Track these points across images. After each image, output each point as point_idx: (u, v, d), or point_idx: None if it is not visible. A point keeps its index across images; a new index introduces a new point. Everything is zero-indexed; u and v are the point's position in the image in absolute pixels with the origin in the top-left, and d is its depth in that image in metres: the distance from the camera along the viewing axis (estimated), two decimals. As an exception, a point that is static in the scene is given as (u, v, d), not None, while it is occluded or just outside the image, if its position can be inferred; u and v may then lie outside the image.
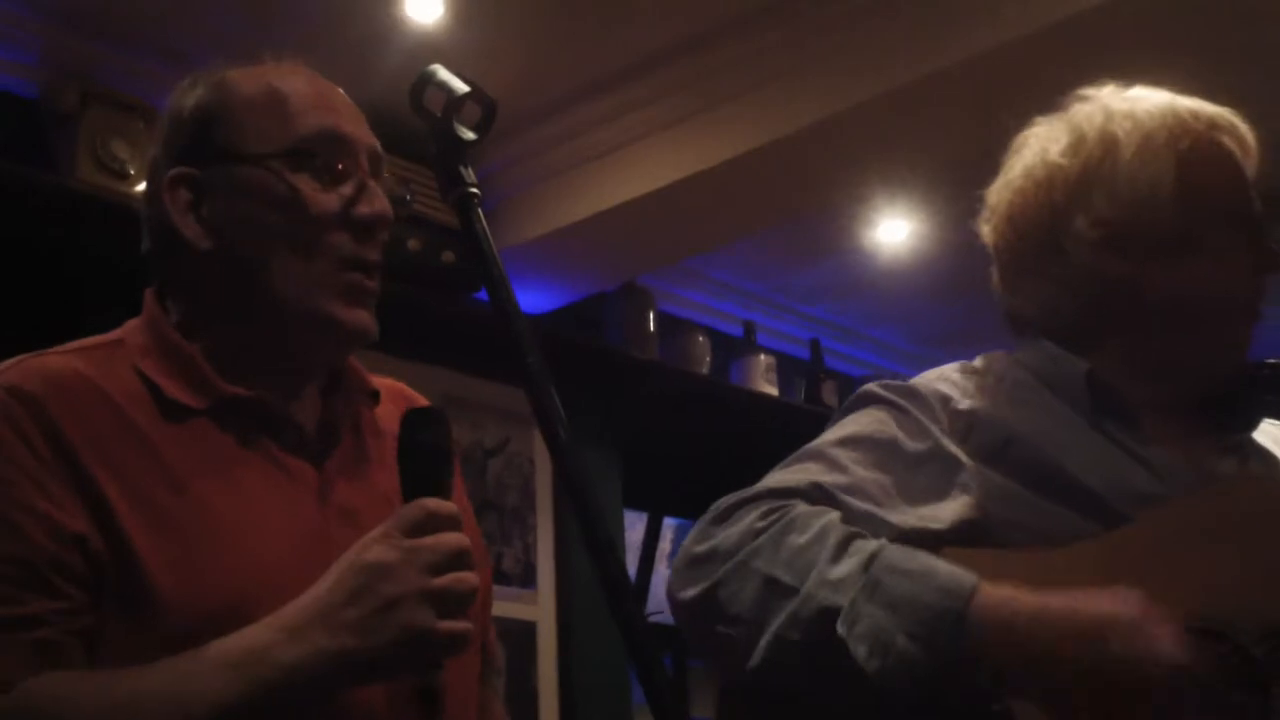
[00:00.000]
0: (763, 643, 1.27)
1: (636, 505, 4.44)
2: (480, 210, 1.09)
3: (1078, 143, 1.52)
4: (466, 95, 1.10)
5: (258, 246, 1.39)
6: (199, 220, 1.41)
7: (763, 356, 4.79)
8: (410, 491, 1.26)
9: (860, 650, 1.22)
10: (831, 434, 1.46)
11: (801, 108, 3.45)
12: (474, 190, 1.10)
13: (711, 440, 4.46)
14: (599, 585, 1.10)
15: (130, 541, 1.27)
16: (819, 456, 1.43)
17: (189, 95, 1.49)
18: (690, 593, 1.33)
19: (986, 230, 1.60)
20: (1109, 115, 1.53)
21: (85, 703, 1.21)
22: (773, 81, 3.49)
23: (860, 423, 1.47)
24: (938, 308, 5.00)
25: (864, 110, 3.35)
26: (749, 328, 4.88)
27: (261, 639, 1.23)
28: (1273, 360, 1.53)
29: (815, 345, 5.11)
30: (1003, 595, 1.24)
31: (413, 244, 3.63)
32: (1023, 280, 1.57)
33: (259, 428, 1.40)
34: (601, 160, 3.83)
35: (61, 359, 1.37)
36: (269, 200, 1.38)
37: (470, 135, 1.11)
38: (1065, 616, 1.23)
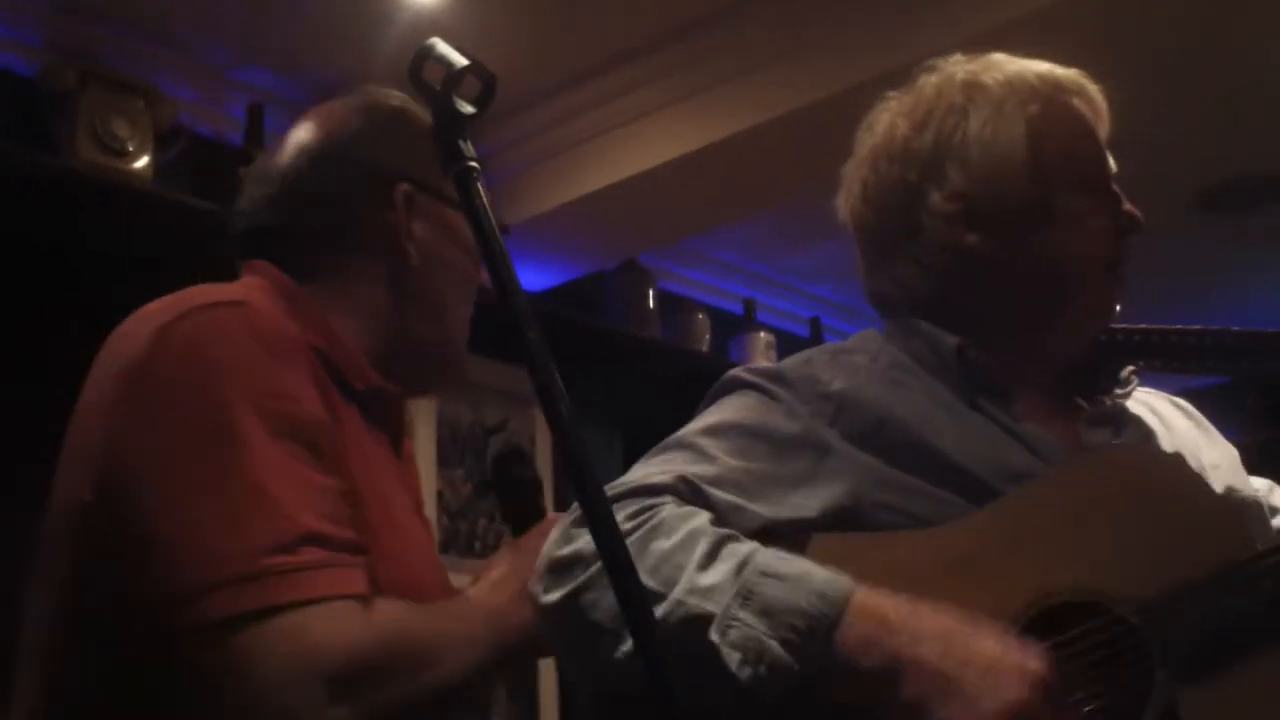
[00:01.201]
0: (624, 650, 1.21)
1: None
2: (480, 185, 1.09)
3: (927, 115, 1.49)
4: (466, 69, 1.09)
5: (442, 282, 1.55)
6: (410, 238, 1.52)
7: (763, 334, 4.79)
8: (514, 515, 1.48)
9: (733, 658, 1.18)
10: (699, 422, 1.43)
11: (803, 86, 3.44)
12: (474, 164, 1.09)
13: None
14: (601, 564, 1.10)
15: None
16: (686, 446, 1.38)
17: (392, 108, 1.57)
18: (552, 597, 1.27)
19: (842, 211, 1.57)
20: (956, 85, 1.50)
21: (431, 629, 1.32)
22: (775, 61, 3.48)
23: (728, 410, 1.43)
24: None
25: (866, 89, 3.31)
26: (749, 305, 4.87)
27: (498, 601, 1.37)
28: (1128, 325, 1.52)
29: (815, 323, 5.10)
30: (877, 600, 1.20)
31: None
32: (883, 261, 1.54)
33: (379, 425, 1.47)
34: (602, 138, 3.82)
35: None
36: (466, 249, 1.56)
37: (469, 109, 1.10)
38: (930, 619, 1.20)
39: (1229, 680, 1.21)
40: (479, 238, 1.08)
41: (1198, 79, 3.41)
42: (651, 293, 4.41)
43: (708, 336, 4.65)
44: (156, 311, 1.37)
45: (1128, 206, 1.49)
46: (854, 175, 1.55)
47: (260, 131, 3.59)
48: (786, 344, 4.94)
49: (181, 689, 1.24)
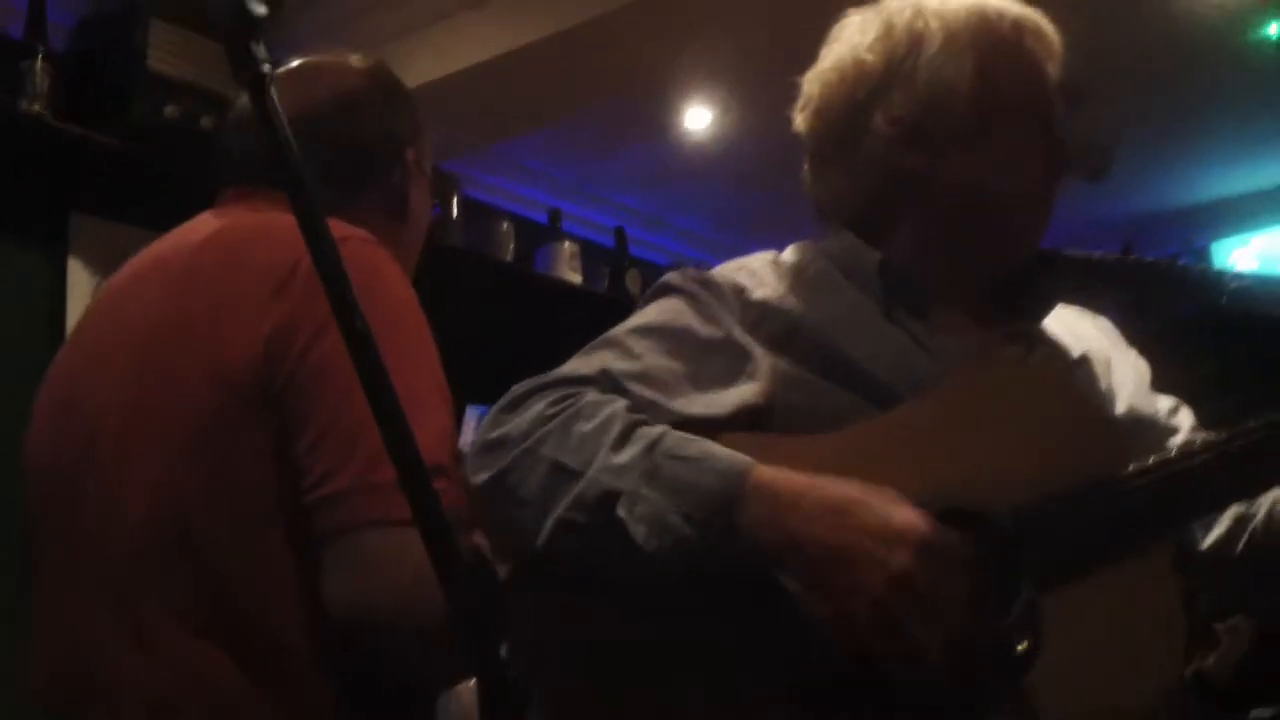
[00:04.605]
0: (547, 525, 1.31)
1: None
2: (273, 91, 1.05)
3: (885, 37, 1.55)
4: (258, -31, 1.05)
5: (414, 246, 1.72)
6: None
7: (568, 244, 4.78)
8: None
9: (639, 531, 1.27)
10: (629, 322, 1.50)
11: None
12: (266, 69, 1.06)
13: (515, 327, 4.46)
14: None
15: None
16: (614, 344, 1.46)
17: (395, 79, 1.74)
18: (482, 477, 1.36)
19: (799, 119, 1.62)
20: (918, 11, 1.55)
21: None
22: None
23: (656, 311, 1.50)
24: (741, 195, 5.05)
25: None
26: (554, 215, 4.86)
27: None
28: (1067, 250, 1.58)
29: (620, 233, 5.12)
30: (774, 475, 1.29)
31: (170, 111, 3.45)
32: (823, 170, 1.60)
33: None
34: (403, 40, 3.74)
35: None
36: (426, 222, 1.74)
37: (261, 10, 1.07)
38: (823, 492, 1.27)
39: (1084, 586, 1.29)
40: (272, 145, 1.05)
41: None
42: (455, 200, 4.35)
43: (512, 245, 4.62)
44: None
45: (1063, 147, 1.55)
46: (811, 86, 1.61)
47: (43, 23, 3.42)
48: (592, 254, 4.94)
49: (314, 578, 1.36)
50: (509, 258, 4.59)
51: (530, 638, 1.32)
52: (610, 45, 3.56)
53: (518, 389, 1.41)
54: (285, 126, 1.05)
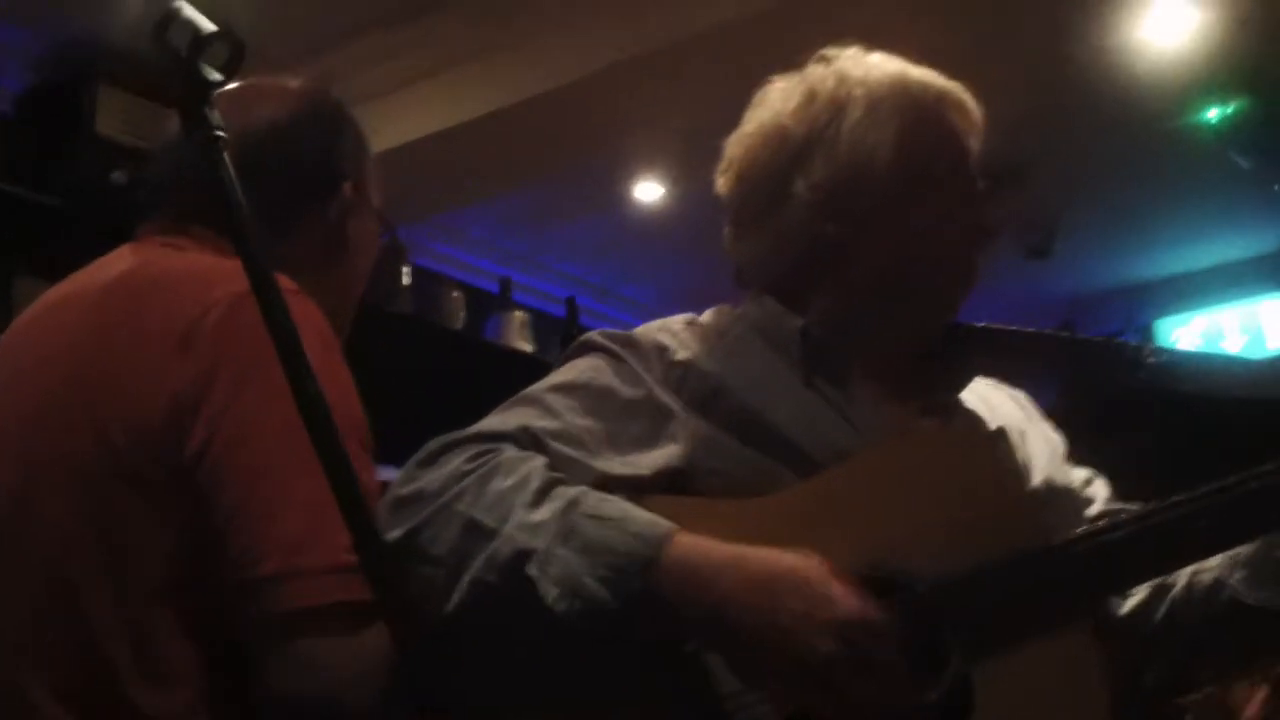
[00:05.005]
0: (461, 584, 1.26)
1: (388, 460, 4.38)
2: (226, 155, 1.05)
3: (808, 104, 1.54)
4: (213, 35, 1.06)
5: (353, 284, 1.64)
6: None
7: (518, 313, 4.78)
8: None
9: (551, 592, 1.22)
10: (549, 380, 1.47)
11: (561, 65, 3.45)
12: (219, 133, 1.06)
13: (464, 396, 4.43)
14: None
15: None
16: (534, 402, 1.43)
17: (336, 103, 1.66)
18: (394, 534, 1.30)
19: (720, 181, 1.61)
20: (841, 80, 1.55)
21: None
22: (533, 38, 3.48)
23: (578, 370, 1.47)
24: (690, 267, 5.07)
25: (621, 71, 3.36)
26: (505, 284, 4.86)
27: None
28: (982, 324, 1.58)
29: (571, 303, 5.13)
30: (695, 544, 1.26)
31: (117, 176, 3.40)
32: (744, 233, 1.59)
33: None
34: (355, 109, 3.74)
35: None
36: (371, 260, 1.67)
37: (217, 76, 1.07)
38: (747, 565, 1.25)
39: (1012, 659, 1.28)
40: (225, 210, 1.05)
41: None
42: (405, 268, 4.34)
43: (462, 314, 4.62)
44: (214, 278, 1.34)
45: (984, 220, 1.55)
46: (734, 150, 1.60)
47: (-8, 87, 3.42)
48: (542, 324, 4.95)
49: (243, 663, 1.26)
50: (459, 326, 4.59)
51: (444, 705, 1.27)
52: (562, 118, 3.59)
53: (433, 444, 1.37)
54: (238, 190, 1.05)
